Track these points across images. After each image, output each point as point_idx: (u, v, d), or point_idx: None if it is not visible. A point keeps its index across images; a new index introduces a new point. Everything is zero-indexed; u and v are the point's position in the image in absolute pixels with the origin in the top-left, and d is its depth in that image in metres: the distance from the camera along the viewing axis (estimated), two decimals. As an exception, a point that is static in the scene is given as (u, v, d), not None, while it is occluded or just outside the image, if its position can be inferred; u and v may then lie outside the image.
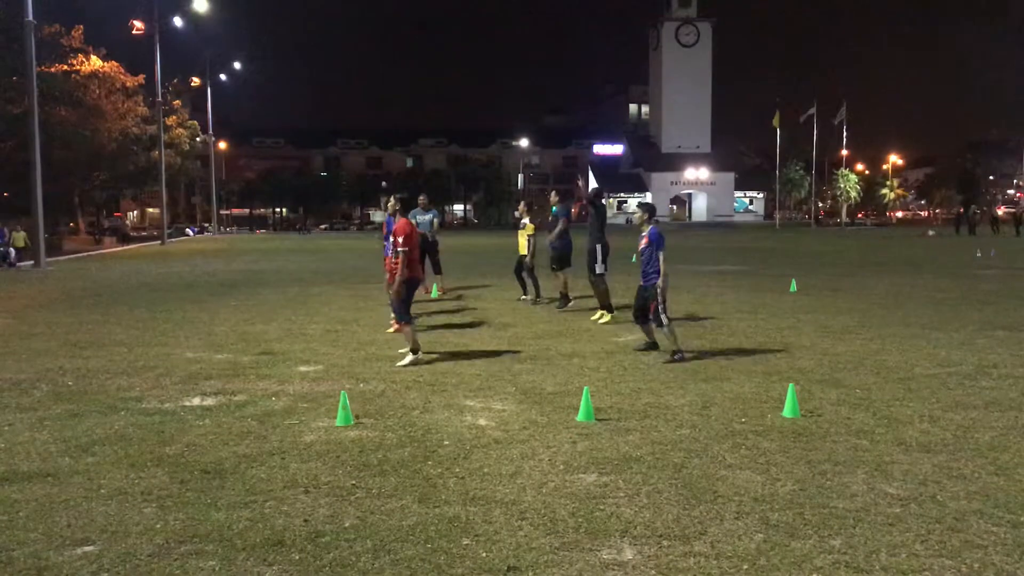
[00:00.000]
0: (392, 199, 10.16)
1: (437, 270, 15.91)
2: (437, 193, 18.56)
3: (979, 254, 27.79)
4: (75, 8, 57.90)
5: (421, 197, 16.41)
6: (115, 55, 46.67)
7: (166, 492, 4.90)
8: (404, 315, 9.01)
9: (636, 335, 10.66)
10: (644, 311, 9.07)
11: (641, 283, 9.04)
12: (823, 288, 16.93)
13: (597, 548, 4.07)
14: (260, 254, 34.82)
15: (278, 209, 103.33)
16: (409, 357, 8.85)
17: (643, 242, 9.01)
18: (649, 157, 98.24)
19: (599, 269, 11.84)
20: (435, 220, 15.79)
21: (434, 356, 9.19)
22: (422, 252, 15.59)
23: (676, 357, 8.83)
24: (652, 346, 9.46)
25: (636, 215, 9.34)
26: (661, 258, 8.78)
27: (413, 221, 15.76)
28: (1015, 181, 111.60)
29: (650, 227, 9.03)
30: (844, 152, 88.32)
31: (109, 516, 4.53)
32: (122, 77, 46.69)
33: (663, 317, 8.81)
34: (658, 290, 8.79)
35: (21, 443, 5.96)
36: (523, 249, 14.18)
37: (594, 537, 4.21)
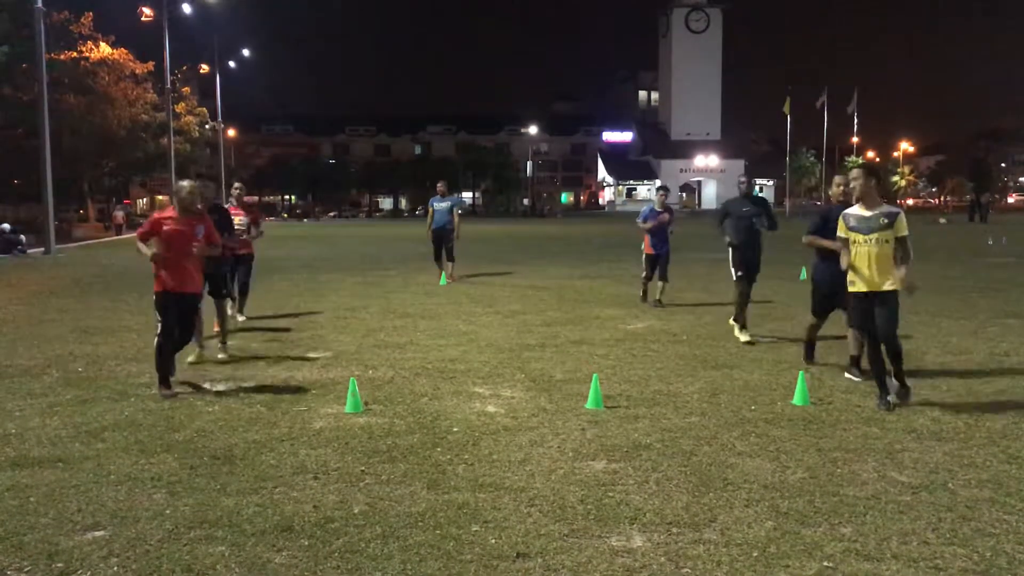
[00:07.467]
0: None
1: (450, 257, 15.89)
2: (445, 180, 18.72)
3: (991, 241, 27.61)
4: (84, -6, 57.80)
5: (440, 184, 16.45)
6: (124, 42, 46.59)
7: (176, 478, 4.92)
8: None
9: (644, 323, 10.74)
10: None
11: None
12: (833, 276, 16.82)
13: (606, 535, 4.07)
14: (268, 241, 34.77)
15: (287, 196, 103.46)
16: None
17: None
18: (658, 144, 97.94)
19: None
20: (456, 209, 15.83)
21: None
22: (437, 240, 15.70)
23: None
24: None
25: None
26: None
27: (430, 208, 15.88)
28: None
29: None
30: (855, 139, 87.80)
31: (119, 501, 4.54)
32: (131, 64, 46.61)
33: None
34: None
35: (32, 429, 5.98)
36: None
37: (603, 524, 4.20)
